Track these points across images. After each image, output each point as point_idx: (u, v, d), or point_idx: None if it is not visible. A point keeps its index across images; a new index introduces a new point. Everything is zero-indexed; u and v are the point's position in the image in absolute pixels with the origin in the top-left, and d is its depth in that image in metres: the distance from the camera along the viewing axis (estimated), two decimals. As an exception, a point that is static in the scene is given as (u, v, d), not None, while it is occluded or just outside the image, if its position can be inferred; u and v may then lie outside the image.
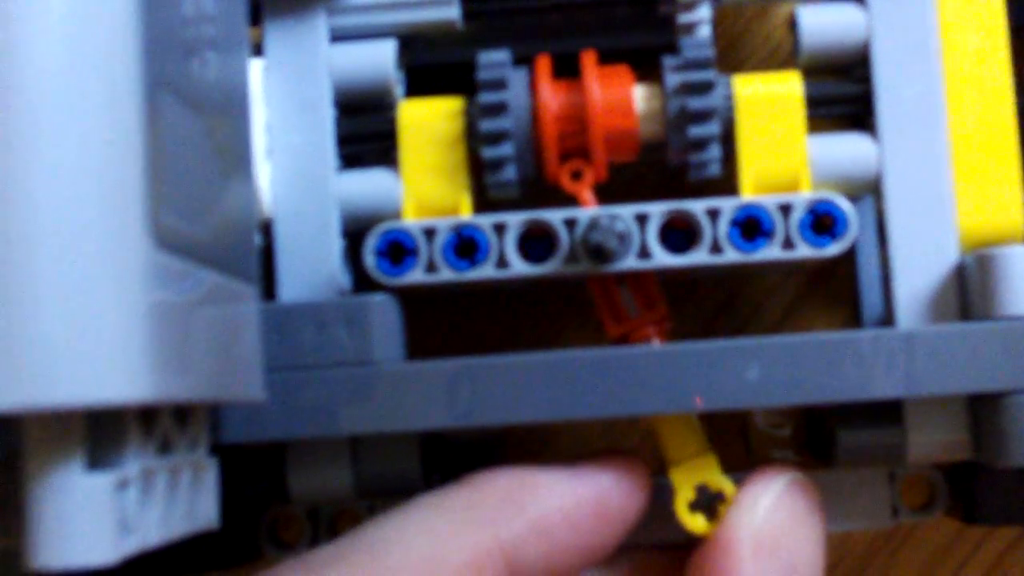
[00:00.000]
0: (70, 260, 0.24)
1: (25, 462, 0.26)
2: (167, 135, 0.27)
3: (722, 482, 0.38)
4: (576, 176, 0.38)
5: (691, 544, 0.38)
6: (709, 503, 0.38)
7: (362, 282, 0.39)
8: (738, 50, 0.48)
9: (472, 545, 0.34)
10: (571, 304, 0.46)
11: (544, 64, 0.38)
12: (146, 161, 0.26)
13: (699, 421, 0.39)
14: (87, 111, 0.25)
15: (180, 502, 0.30)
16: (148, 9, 0.26)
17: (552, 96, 0.38)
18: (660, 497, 0.38)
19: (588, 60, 0.38)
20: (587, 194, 0.38)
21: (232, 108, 0.33)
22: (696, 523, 0.38)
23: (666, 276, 0.39)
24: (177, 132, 0.28)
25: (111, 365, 0.25)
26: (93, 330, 0.24)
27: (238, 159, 0.33)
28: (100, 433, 0.26)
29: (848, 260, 0.42)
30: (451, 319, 0.47)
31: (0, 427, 0.30)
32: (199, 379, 0.28)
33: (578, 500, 0.36)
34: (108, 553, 0.26)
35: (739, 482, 0.38)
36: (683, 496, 0.38)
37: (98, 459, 0.26)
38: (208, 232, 0.30)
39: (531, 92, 0.38)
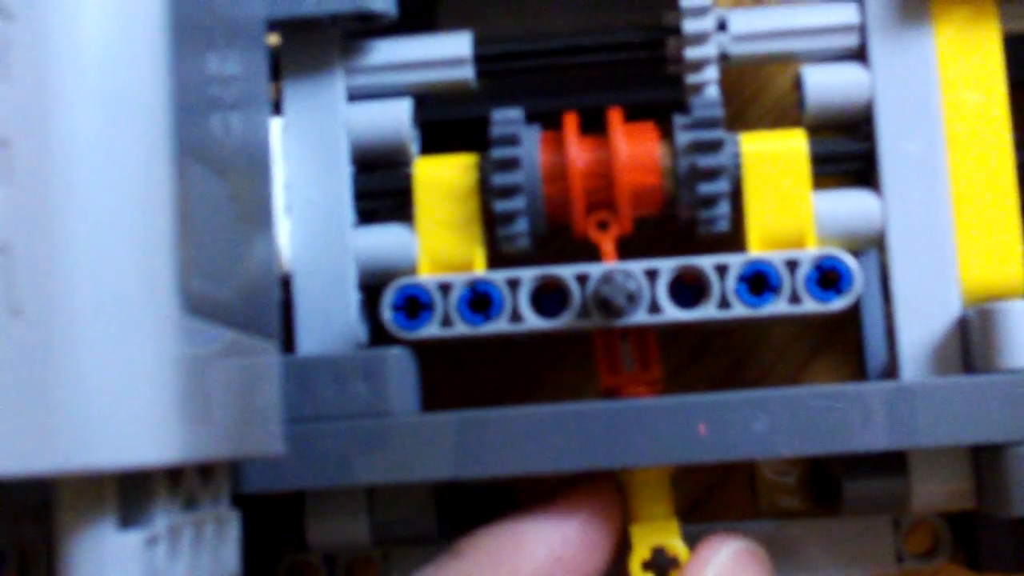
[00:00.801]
0: (105, 329, 0.25)
1: (58, 520, 0.27)
2: (194, 202, 0.28)
3: (678, 548, 0.39)
4: (602, 227, 0.39)
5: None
6: (662, 566, 0.39)
7: (378, 334, 0.40)
8: (749, 109, 0.49)
9: None
10: (584, 356, 0.47)
11: (571, 121, 0.40)
12: (176, 228, 0.27)
13: (670, 487, 0.40)
14: (121, 180, 0.26)
15: (205, 554, 0.30)
16: (178, 79, 0.27)
17: (580, 152, 0.39)
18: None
19: (615, 117, 0.39)
20: (609, 246, 0.39)
21: (254, 168, 0.34)
22: None
23: (677, 329, 0.40)
24: (203, 198, 0.29)
25: (143, 430, 0.26)
26: (126, 396, 0.25)
27: (260, 218, 0.34)
28: (131, 493, 0.27)
29: (853, 313, 0.43)
30: (466, 370, 0.48)
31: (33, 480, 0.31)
32: (223, 438, 0.29)
33: (565, 540, 0.37)
34: (138, 607, 0.27)
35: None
36: (639, 554, 0.39)
37: (129, 518, 0.27)
38: (231, 293, 0.31)
39: (544, 148, 0.39)
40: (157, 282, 0.26)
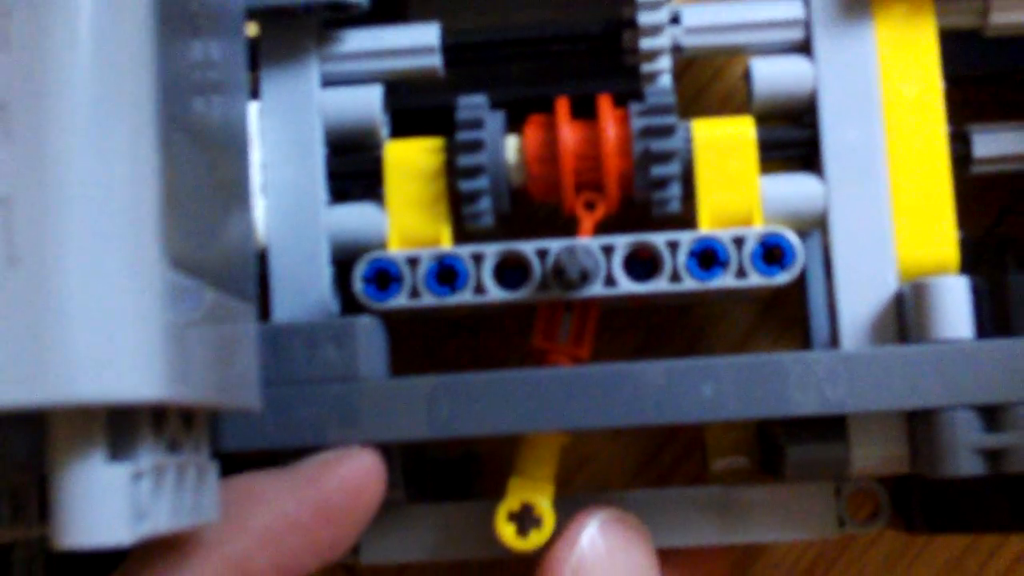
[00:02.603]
0: (97, 277, 0.27)
1: (50, 453, 0.29)
2: (178, 166, 0.31)
3: (545, 511, 0.41)
4: (589, 207, 0.41)
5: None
6: (525, 522, 0.41)
7: (348, 307, 0.42)
8: (703, 96, 0.52)
9: (202, 571, 0.35)
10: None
11: (563, 105, 0.42)
12: (161, 192, 0.29)
13: (558, 456, 0.42)
14: (112, 140, 0.28)
15: (186, 496, 0.33)
16: (164, 56, 0.30)
17: (570, 134, 0.41)
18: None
19: (604, 103, 0.42)
20: (589, 224, 0.41)
21: (233, 146, 0.36)
22: (506, 532, 0.41)
23: (634, 311, 0.43)
24: (186, 165, 0.31)
25: (131, 368, 0.28)
26: (116, 337, 0.28)
27: (238, 192, 0.37)
28: (118, 429, 0.29)
29: (799, 289, 0.45)
30: (430, 340, 0.51)
31: (21, 431, 0.34)
32: (204, 384, 0.32)
33: (300, 504, 0.37)
34: (124, 536, 0.29)
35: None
36: (508, 504, 0.42)
37: (116, 452, 0.29)
38: (212, 255, 0.33)
39: (533, 130, 0.42)
40: (143, 234, 0.28)
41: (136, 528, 0.29)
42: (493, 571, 0.50)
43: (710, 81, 0.52)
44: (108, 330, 0.28)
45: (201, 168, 0.33)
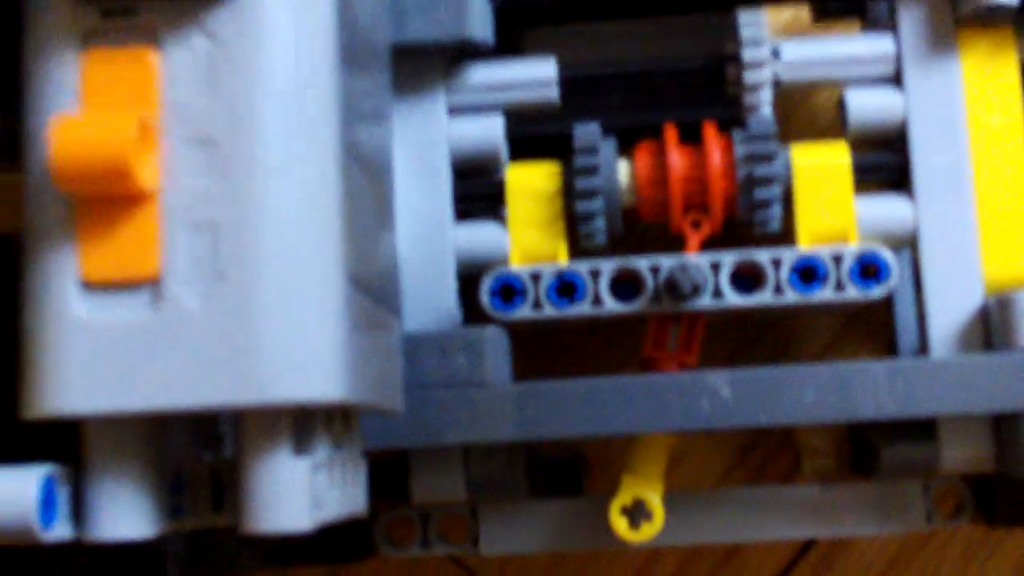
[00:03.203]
0: (291, 292, 0.31)
1: (245, 447, 0.33)
2: (353, 193, 0.34)
3: (656, 507, 0.45)
4: (695, 226, 0.45)
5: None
6: (637, 515, 0.45)
7: (471, 317, 0.46)
8: (790, 121, 0.55)
9: None
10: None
11: (672, 132, 0.46)
12: (343, 213, 0.33)
13: (668, 455, 0.46)
14: (305, 172, 0.32)
15: (348, 488, 0.37)
16: (343, 92, 0.34)
17: (679, 159, 0.45)
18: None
19: (710, 130, 0.46)
20: (695, 242, 0.45)
21: (384, 171, 0.40)
22: (620, 524, 0.45)
23: (728, 323, 0.46)
24: (358, 192, 0.35)
25: (319, 372, 0.32)
26: (306, 345, 0.32)
27: (388, 214, 0.41)
28: (301, 427, 0.33)
29: (885, 302, 0.49)
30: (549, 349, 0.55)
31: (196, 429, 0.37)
32: (371, 386, 0.35)
33: None
34: (306, 522, 0.33)
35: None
36: (621, 499, 0.45)
37: (300, 447, 0.33)
38: (373, 272, 0.37)
39: (643, 156, 0.45)
40: (330, 255, 0.32)
41: (315, 515, 0.33)
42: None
43: (797, 105, 0.56)
44: (300, 339, 0.31)
45: (366, 192, 0.37)
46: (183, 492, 0.36)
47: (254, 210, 0.31)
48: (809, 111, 0.56)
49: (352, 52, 0.36)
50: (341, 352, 0.32)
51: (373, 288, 0.37)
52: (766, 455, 0.55)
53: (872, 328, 0.54)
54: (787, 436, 0.53)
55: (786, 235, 0.45)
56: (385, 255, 0.39)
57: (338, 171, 0.33)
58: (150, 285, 0.32)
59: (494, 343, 0.44)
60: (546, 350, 0.55)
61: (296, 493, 0.33)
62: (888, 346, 0.51)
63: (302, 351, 0.31)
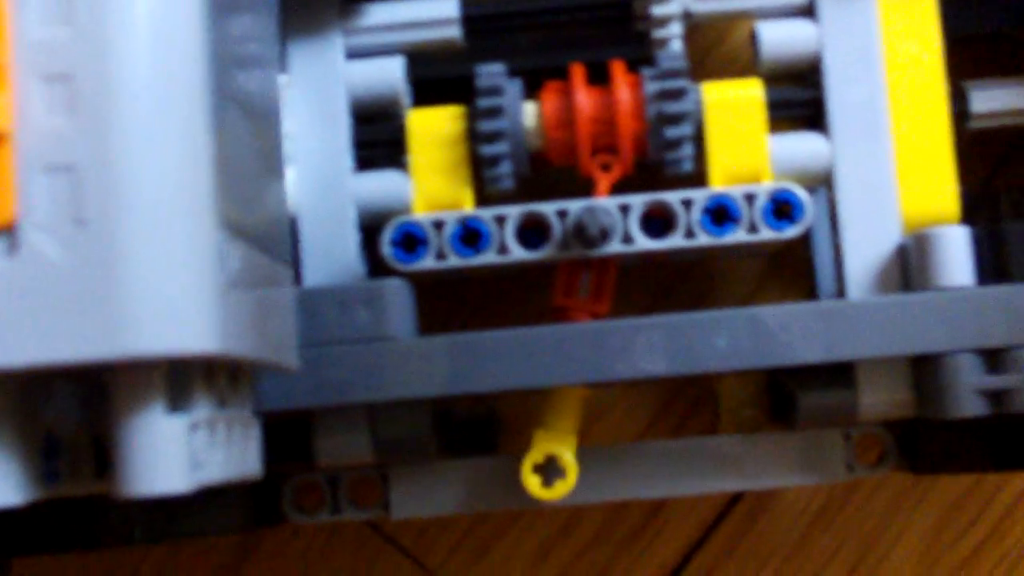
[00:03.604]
0: (158, 238, 0.29)
1: (114, 405, 0.31)
2: (228, 135, 0.32)
3: (569, 463, 0.43)
4: (605, 168, 0.43)
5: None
6: (550, 473, 0.43)
7: (375, 270, 0.44)
8: (709, 56, 0.54)
9: None
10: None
11: (579, 71, 0.44)
12: (215, 159, 0.31)
13: (581, 410, 0.45)
14: (171, 117, 0.30)
15: (235, 449, 0.35)
16: (213, 31, 0.32)
17: (585, 100, 0.43)
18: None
19: (618, 68, 0.44)
20: (605, 186, 0.43)
21: (270, 116, 0.38)
22: (532, 483, 0.43)
23: (644, 269, 0.44)
24: (235, 134, 0.33)
25: (189, 323, 0.30)
26: (175, 295, 0.29)
27: (274, 161, 0.38)
28: (175, 383, 0.31)
29: (805, 243, 0.47)
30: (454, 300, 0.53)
31: (75, 391, 0.35)
32: (251, 340, 0.33)
33: None
34: (183, 484, 0.31)
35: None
36: (533, 456, 0.43)
37: (175, 405, 0.31)
38: (255, 220, 0.35)
39: (549, 97, 0.44)
40: (200, 199, 0.30)
41: (193, 477, 0.31)
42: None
43: (715, 44, 0.54)
44: (168, 288, 0.29)
45: (245, 137, 0.35)
46: (60, 457, 0.34)
47: (116, 151, 0.29)
48: (727, 51, 0.54)
49: (224, -8, 0.34)
50: (213, 302, 0.30)
51: (257, 236, 0.35)
52: (688, 408, 0.53)
53: (798, 272, 0.53)
54: (709, 388, 0.51)
55: (703, 177, 0.43)
56: (272, 203, 0.37)
57: (208, 112, 0.31)
58: (5, 233, 0.29)
59: (396, 296, 0.42)
60: (455, 301, 0.53)
61: (171, 453, 0.31)
62: (810, 290, 0.49)
63: (169, 301, 0.29)
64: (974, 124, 0.46)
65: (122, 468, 0.31)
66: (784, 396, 0.45)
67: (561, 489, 0.43)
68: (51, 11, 0.30)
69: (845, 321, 0.41)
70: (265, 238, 0.36)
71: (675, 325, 0.41)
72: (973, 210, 0.44)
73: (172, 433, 0.31)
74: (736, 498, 0.53)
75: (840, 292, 0.43)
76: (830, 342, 0.41)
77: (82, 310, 0.29)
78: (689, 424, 0.53)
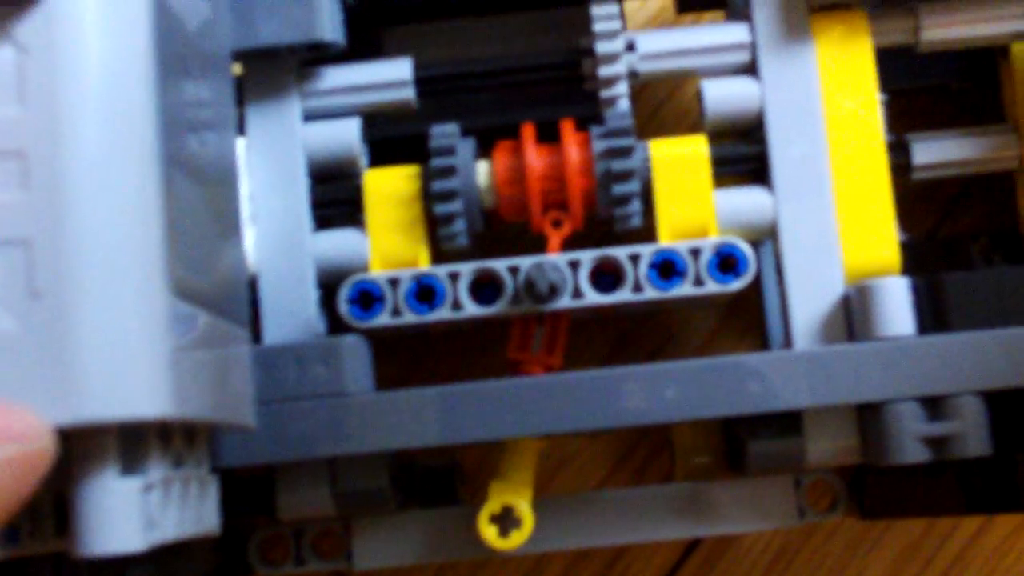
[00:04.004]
0: (109, 308, 0.30)
1: (70, 471, 0.32)
2: (178, 203, 0.33)
3: (525, 514, 0.44)
4: (556, 225, 0.44)
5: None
6: (507, 523, 0.44)
7: (336, 327, 0.45)
8: (663, 108, 0.55)
9: None
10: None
11: (529, 130, 0.45)
12: (164, 224, 0.32)
13: (537, 461, 0.46)
14: (120, 183, 0.31)
15: (191, 507, 0.36)
16: (163, 100, 0.33)
17: (536, 158, 0.44)
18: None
19: (567, 127, 0.45)
20: (557, 242, 0.44)
21: (225, 180, 0.39)
22: (488, 533, 0.44)
23: (603, 319, 0.46)
24: (185, 201, 0.34)
25: (140, 388, 0.31)
26: (126, 361, 0.31)
27: (231, 223, 0.40)
28: (129, 446, 0.32)
29: (757, 294, 0.48)
30: (413, 355, 0.54)
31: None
32: (204, 402, 0.34)
33: None
34: (137, 543, 0.32)
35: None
36: (489, 507, 0.44)
37: (128, 467, 0.32)
38: (210, 284, 0.36)
39: (502, 155, 0.45)
40: (150, 268, 0.31)
41: (147, 536, 0.32)
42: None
43: (666, 99, 0.55)
44: (119, 355, 0.30)
45: (198, 202, 0.36)
46: (20, 517, 0.35)
47: (66, 225, 0.30)
48: (679, 105, 0.55)
49: (177, 61, 0.35)
50: (164, 367, 0.31)
51: (212, 299, 0.36)
52: (647, 456, 0.55)
53: (752, 322, 0.54)
54: (666, 436, 0.52)
55: (653, 231, 0.45)
56: (227, 265, 0.38)
57: (158, 182, 0.32)
58: (-38, 306, 0.30)
59: (353, 352, 0.43)
60: (412, 356, 0.54)
61: (124, 514, 0.32)
62: (763, 340, 0.50)
63: (120, 368, 0.30)
64: (917, 175, 0.47)
65: (78, 528, 0.32)
66: (736, 443, 0.46)
67: (517, 539, 0.44)
68: (5, 91, 0.31)
69: (788, 371, 0.42)
70: (220, 300, 0.37)
71: (623, 377, 0.42)
72: (917, 260, 0.45)
73: (126, 495, 0.32)
74: (694, 544, 0.54)
75: (788, 342, 0.44)
76: (775, 391, 0.42)
77: (36, 378, 0.30)
78: (649, 471, 0.54)
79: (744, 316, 0.54)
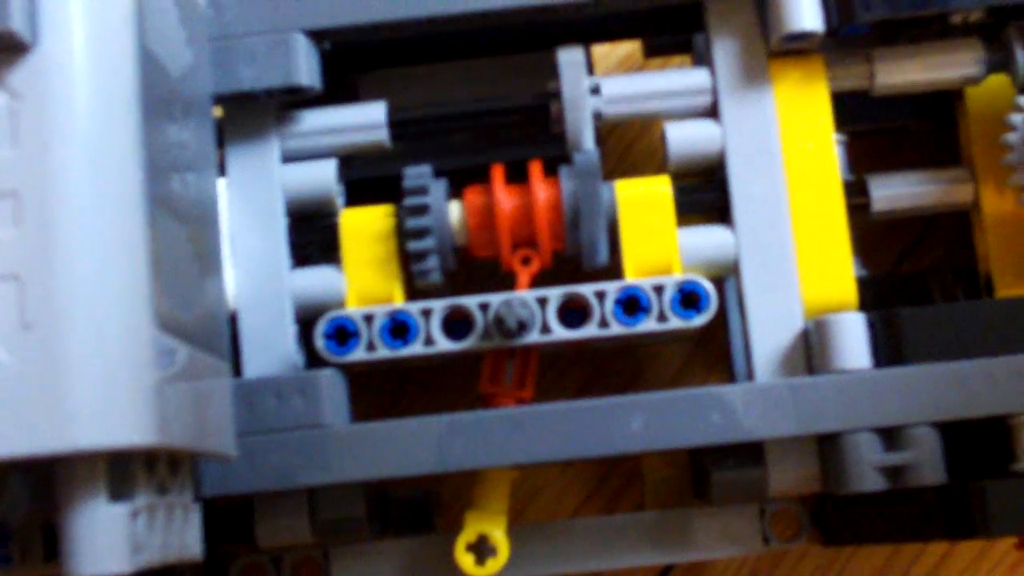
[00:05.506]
0: (97, 341, 0.32)
1: (60, 495, 0.33)
2: (162, 241, 0.35)
3: (500, 541, 0.46)
4: (526, 262, 0.46)
5: None
6: (482, 551, 0.46)
7: (313, 361, 0.47)
8: (634, 146, 0.57)
9: None
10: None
11: (498, 172, 0.47)
12: (149, 261, 0.34)
13: (510, 490, 0.47)
14: (107, 222, 0.33)
15: (175, 533, 0.37)
16: (148, 142, 0.34)
17: (505, 198, 0.46)
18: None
19: (535, 169, 0.47)
20: (526, 278, 0.46)
21: (206, 219, 0.41)
22: (465, 561, 0.45)
23: (570, 347, 0.47)
24: (169, 239, 0.36)
25: (126, 418, 0.32)
26: (113, 392, 0.32)
27: (212, 260, 0.41)
28: (116, 473, 0.34)
29: (724, 328, 0.50)
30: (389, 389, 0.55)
31: (27, 481, 0.38)
32: (187, 431, 0.36)
33: None
34: (124, 566, 0.33)
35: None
36: (466, 536, 0.46)
37: (116, 494, 0.34)
38: (192, 318, 0.38)
39: (473, 196, 0.47)
40: (136, 303, 0.33)
41: (134, 560, 0.34)
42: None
43: (637, 139, 0.57)
44: (106, 386, 0.32)
45: (181, 240, 0.37)
46: (11, 542, 0.37)
47: (57, 260, 0.32)
48: (648, 146, 0.57)
49: (161, 104, 0.36)
50: (149, 398, 0.33)
51: (194, 333, 0.37)
52: (621, 485, 0.56)
53: (719, 355, 0.56)
54: (637, 465, 0.54)
55: (619, 269, 0.46)
56: (209, 301, 0.40)
57: (143, 221, 0.34)
58: (-44, 339, 0.32)
59: (330, 386, 0.45)
60: (389, 390, 0.56)
61: (112, 538, 0.33)
62: (730, 372, 0.52)
63: (108, 398, 0.32)
64: (876, 214, 0.48)
65: (68, 552, 0.33)
66: (702, 472, 0.47)
67: (493, 567, 0.45)
68: (-1, 131, 0.32)
69: (750, 403, 0.43)
70: (202, 334, 0.39)
71: (592, 409, 0.44)
72: (881, 294, 0.47)
73: (113, 520, 0.33)
74: (666, 570, 0.56)
75: (751, 374, 0.46)
76: (737, 422, 0.43)
77: (28, 408, 0.31)
78: (622, 500, 0.56)
79: (712, 350, 0.55)
